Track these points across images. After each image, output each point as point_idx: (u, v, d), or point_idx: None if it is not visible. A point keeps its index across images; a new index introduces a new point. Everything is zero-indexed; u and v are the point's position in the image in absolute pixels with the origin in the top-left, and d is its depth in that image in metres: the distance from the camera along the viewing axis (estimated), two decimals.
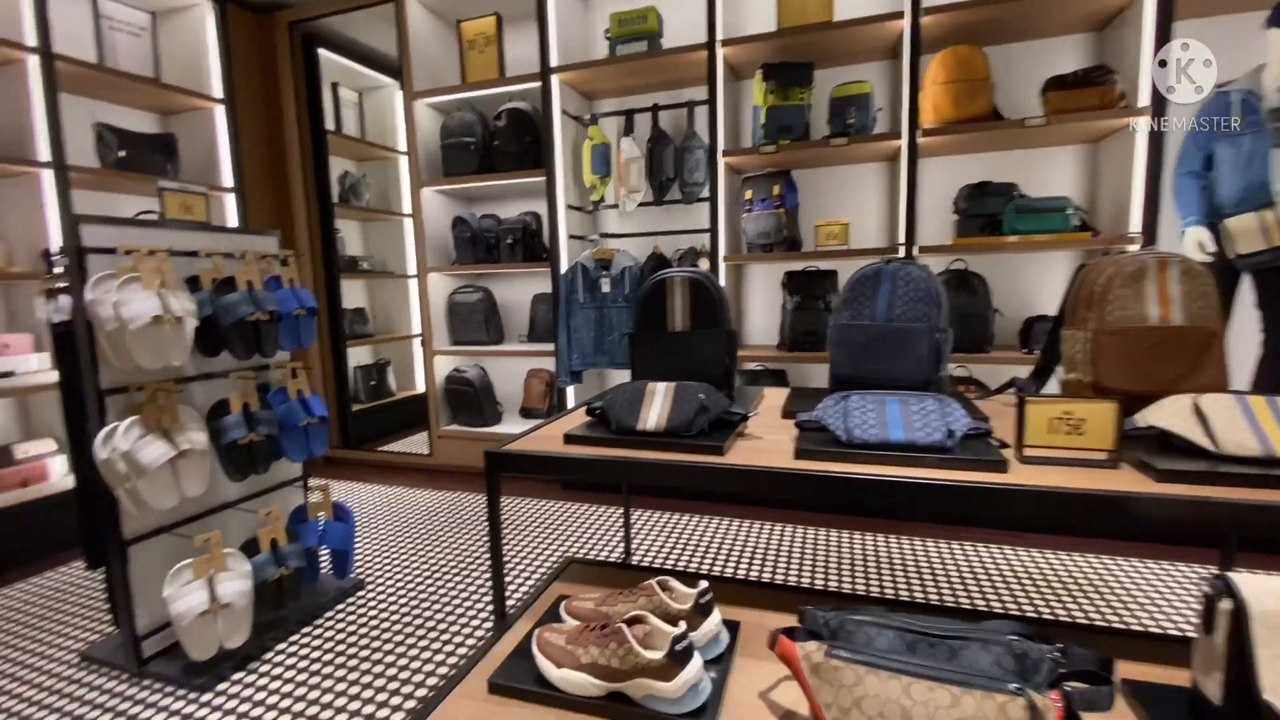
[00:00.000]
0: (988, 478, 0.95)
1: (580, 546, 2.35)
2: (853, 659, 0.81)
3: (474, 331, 3.29)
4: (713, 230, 2.64)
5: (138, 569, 1.61)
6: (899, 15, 2.31)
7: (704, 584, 1.11)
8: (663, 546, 2.31)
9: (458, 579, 2.11)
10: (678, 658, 0.94)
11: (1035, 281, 2.62)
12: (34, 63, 2.30)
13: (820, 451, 1.06)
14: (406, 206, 4.26)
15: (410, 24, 3.07)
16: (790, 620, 0.94)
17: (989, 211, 2.46)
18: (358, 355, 4.07)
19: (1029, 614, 1.78)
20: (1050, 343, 1.35)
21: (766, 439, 1.21)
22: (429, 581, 2.10)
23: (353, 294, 4.18)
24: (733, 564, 2.16)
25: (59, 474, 2.49)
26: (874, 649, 0.84)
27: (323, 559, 2.04)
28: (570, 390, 2.95)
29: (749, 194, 2.71)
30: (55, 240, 2.35)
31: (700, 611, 1.09)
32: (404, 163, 4.22)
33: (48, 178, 2.36)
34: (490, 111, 3.08)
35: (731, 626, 1.18)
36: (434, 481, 3.22)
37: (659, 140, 2.81)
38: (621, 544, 2.33)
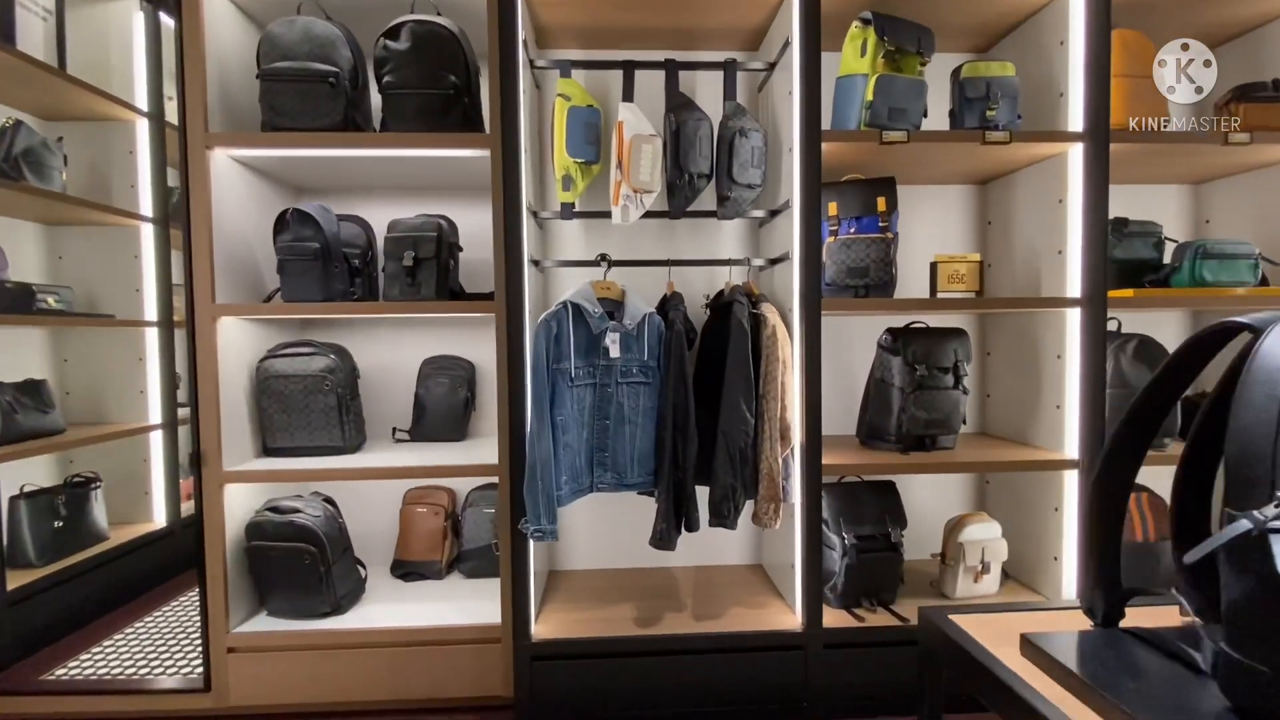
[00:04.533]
0: None
1: None
2: None
3: (313, 429, 1.74)
4: (805, 257, 1.59)
5: None
6: None
7: None
8: None
9: None
10: None
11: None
12: None
13: None
14: (145, 205, 2.46)
15: None
16: None
17: (1135, 256, 1.85)
18: (27, 471, 2.11)
19: None
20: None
21: None
22: None
23: (23, 355, 2.23)
24: None
25: None
26: None
27: None
28: (533, 545, 1.59)
29: (833, 208, 1.75)
30: None
31: None
32: (143, 127, 2.46)
33: None
34: (366, 27, 1.69)
35: None
36: None
37: (685, 112, 1.70)
38: None
